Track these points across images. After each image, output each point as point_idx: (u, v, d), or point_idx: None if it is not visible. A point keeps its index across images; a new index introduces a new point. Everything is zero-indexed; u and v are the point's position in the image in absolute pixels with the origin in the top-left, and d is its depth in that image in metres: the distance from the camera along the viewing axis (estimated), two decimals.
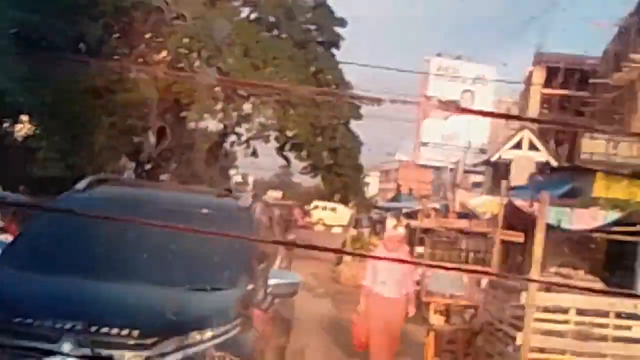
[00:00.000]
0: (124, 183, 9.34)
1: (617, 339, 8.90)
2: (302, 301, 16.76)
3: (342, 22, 35.08)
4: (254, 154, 36.82)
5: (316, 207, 56.03)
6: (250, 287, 6.74)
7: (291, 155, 37.21)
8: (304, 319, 14.16)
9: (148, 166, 31.08)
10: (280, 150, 36.77)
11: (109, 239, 6.81)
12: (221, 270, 6.78)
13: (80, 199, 7.48)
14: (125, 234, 6.83)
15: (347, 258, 25.18)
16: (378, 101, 3.23)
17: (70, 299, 6.13)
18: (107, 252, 6.83)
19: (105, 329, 5.73)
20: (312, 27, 34.46)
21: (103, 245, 6.85)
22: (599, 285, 12.01)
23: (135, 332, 5.76)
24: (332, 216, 54.23)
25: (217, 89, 31.09)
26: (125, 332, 5.74)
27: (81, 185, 7.80)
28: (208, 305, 6.37)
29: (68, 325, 5.69)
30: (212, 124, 35.13)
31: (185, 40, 29.66)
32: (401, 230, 11.59)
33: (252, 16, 33.65)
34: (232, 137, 36.55)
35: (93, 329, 5.72)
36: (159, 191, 8.93)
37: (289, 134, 34.76)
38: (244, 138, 36.13)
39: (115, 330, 5.73)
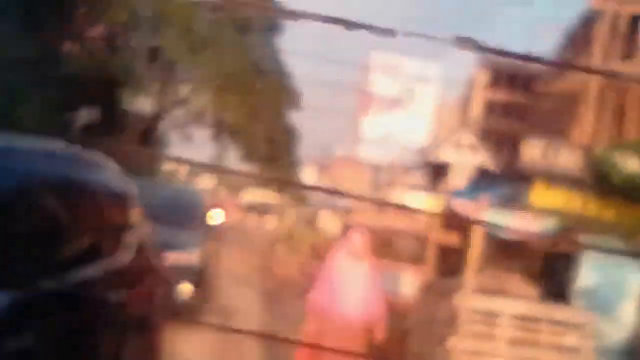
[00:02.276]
0: None
1: (550, 346, 8.98)
2: (232, 292, 16.34)
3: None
4: (189, 139, 36.25)
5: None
6: None
7: (227, 143, 36.73)
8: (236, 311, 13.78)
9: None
10: (216, 137, 36.24)
11: None
12: None
13: None
14: None
15: (280, 250, 24.75)
16: (295, 16, 2.63)
17: None
18: None
19: None
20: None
21: None
22: (534, 291, 11.84)
23: None
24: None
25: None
26: None
27: None
28: None
29: None
30: (147, 106, 34.38)
31: (123, 16, 28.83)
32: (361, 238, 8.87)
33: None
34: (167, 121, 35.86)
35: None
36: None
37: (226, 120, 34.27)
38: (179, 122, 35.51)
39: None
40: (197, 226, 12.95)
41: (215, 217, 19.85)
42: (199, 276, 12.10)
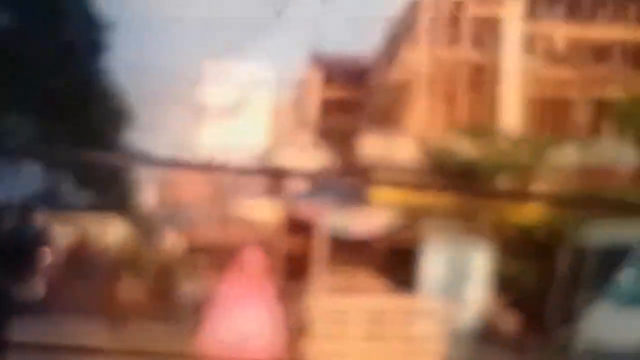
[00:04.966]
0: None
1: (401, 337, 9.10)
2: (75, 328, 15.43)
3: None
4: None
5: None
6: None
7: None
8: None
9: None
10: None
11: None
12: None
13: None
14: None
15: (125, 275, 23.47)
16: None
17: None
18: None
19: None
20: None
21: None
22: (382, 285, 11.92)
23: None
24: None
25: None
26: None
27: None
28: None
29: None
30: None
31: None
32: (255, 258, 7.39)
33: None
34: None
35: None
36: None
37: None
38: None
39: None
40: None
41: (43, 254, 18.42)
42: None
